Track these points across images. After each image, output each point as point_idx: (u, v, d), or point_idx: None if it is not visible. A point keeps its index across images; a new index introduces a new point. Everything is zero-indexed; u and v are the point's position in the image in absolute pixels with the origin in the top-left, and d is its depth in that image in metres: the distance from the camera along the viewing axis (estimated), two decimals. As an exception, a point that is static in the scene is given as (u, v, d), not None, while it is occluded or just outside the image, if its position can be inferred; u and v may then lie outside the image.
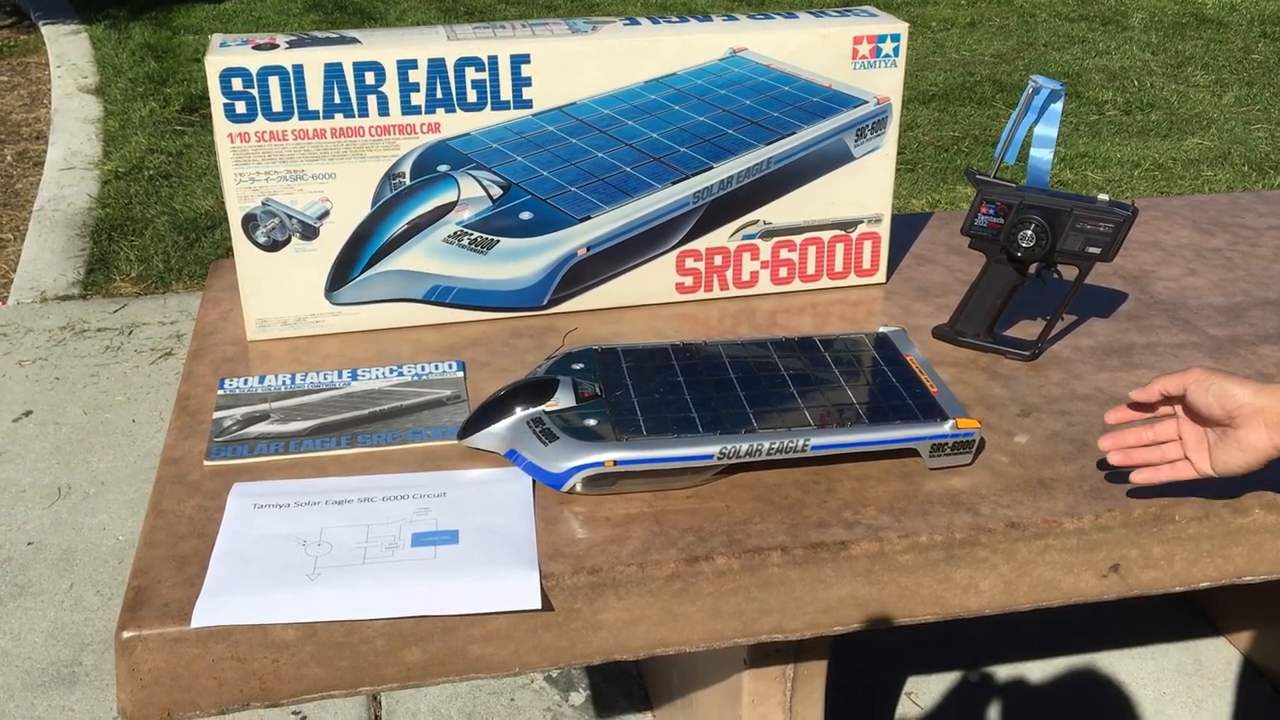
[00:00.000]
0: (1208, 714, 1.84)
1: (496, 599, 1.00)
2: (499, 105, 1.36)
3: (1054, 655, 1.95)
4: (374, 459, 1.18)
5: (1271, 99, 4.91)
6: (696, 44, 1.39)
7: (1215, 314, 1.50)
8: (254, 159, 1.32)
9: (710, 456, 1.10)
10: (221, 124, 1.30)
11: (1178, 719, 1.83)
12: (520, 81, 1.35)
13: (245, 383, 1.31)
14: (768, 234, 1.50)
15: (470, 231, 1.40)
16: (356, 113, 1.32)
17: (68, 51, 5.50)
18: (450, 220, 1.39)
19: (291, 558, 1.02)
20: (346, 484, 1.13)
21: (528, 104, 1.37)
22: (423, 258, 1.40)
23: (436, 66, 1.32)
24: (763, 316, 1.49)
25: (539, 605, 1.00)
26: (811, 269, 1.54)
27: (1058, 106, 1.33)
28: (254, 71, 1.28)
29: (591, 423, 1.13)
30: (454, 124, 1.35)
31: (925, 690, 1.88)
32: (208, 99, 1.31)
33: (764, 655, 1.30)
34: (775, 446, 1.12)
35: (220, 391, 1.29)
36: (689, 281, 1.51)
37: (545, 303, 1.47)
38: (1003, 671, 1.92)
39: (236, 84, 1.28)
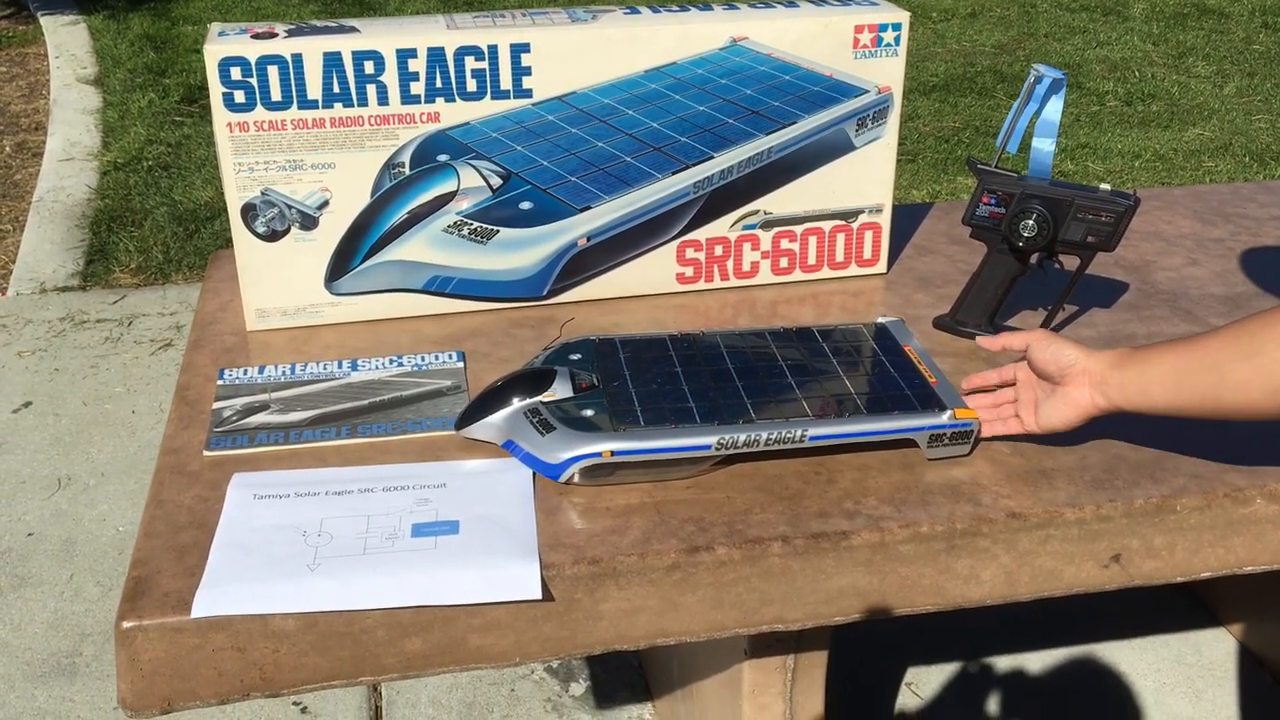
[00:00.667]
0: (1208, 704, 1.84)
1: (497, 589, 1.00)
2: (499, 94, 1.35)
3: (1054, 645, 1.95)
4: (374, 449, 1.17)
5: (1273, 90, 4.90)
6: (697, 33, 1.38)
7: (1216, 304, 1.50)
8: (253, 149, 1.31)
9: (708, 447, 1.10)
10: (220, 114, 1.29)
11: (1178, 709, 1.83)
12: (520, 71, 1.35)
13: (245, 373, 1.30)
14: (768, 224, 1.50)
15: (470, 221, 1.40)
16: (356, 102, 1.32)
17: (66, 42, 5.48)
18: (450, 210, 1.39)
19: (291, 548, 1.02)
20: (346, 474, 1.13)
21: (528, 93, 1.36)
22: (422, 248, 1.40)
23: (436, 55, 1.32)
24: (763, 307, 1.48)
25: (539, 595, 1.00)
26: (812, 259, 1.54)
27: (1060, 96, 1.33)
28: (253, 61, 1.28)
29: (589, 413, 1.13)
30: (454, 113, 1.35)
31: (926, 681, 1.88)
32: (207, 89, 1.31)
33: (765, 645, 1.30)
34: (773, 437, 1.11)
35: (220, 382, 1.29)
36: (689, 272, 1.50)
37: (545, 293, 1.46)
38: (1003, 662, 1.92)
39: (235, 73, 1.28)
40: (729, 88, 1.41)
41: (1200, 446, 1.18)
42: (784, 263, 1.53)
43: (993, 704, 1.85)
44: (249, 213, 1.35)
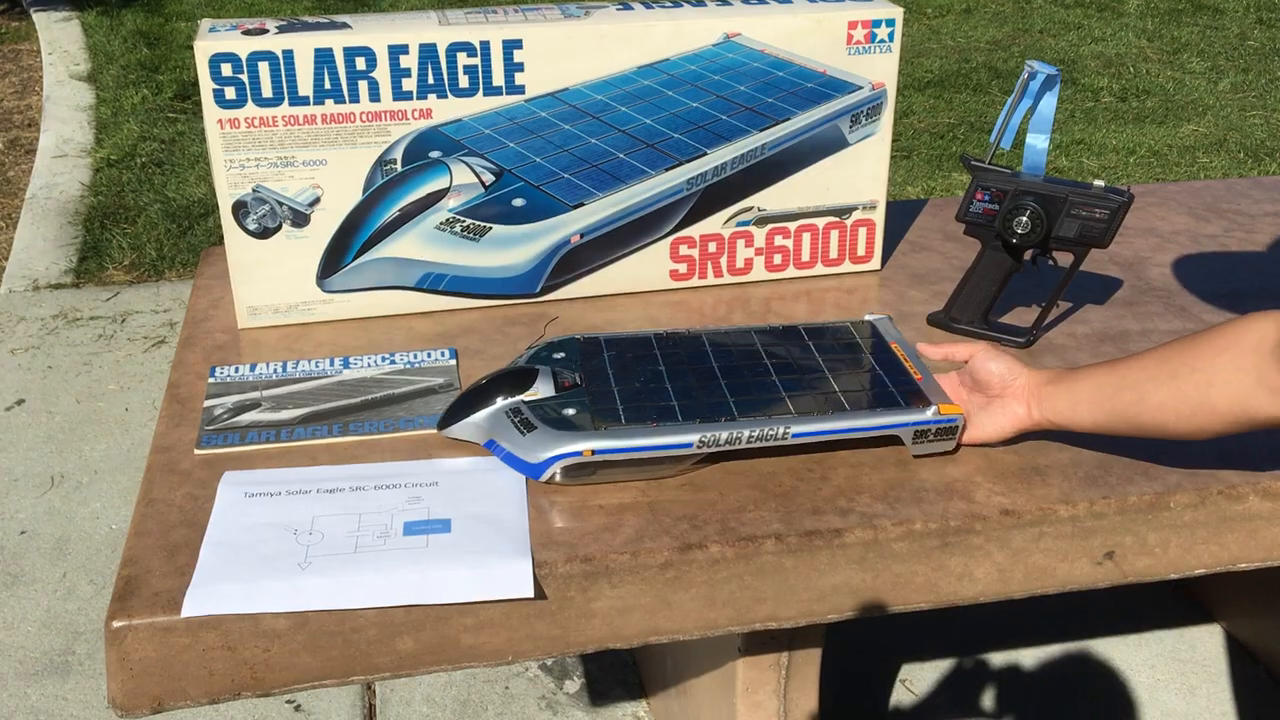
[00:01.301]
0: (1202, 700, 1.84)
1: (489, 588, 0.99)
2: (491, 91, 1.35)
3: (1048, 642, 1.95)
4: (365, 447, 1.17)
5: (1267, 86, 4.90)
6: (690, 29, 1.38)
7: (1210, 300, 1.49)
8: (244, 145, 1.31)
9: (690, 445, 1.10)
10: (211, 110, 1.29)
11: (1172, 705, 1.83)
12: (513, 67, 1.34)
13: (236, 371, 1.30)
14: (762, 221, 1.50)
15: (462, 218, 1.39)
16: (347, 98, 1.31)
17: (59, 38, 5.47)
18: (442, 207, 1.38)
19: (282, 546, 1.01)
20: (338, 472, 1.12)
21: (520, 89, 1.36)
22: (415, 245, 1.40)
23: (428, 51, 1.31)
24: (757, 304, 1.48)
25: (531, 594, 1.00)
26: (806, 256, 1.53)
27: (1054, 92, 1.33)
28: (243, 57, 1.27)
29: (570, 412, 1.13)
30: (446, 110, 1.34)
31: (920, 677, 1.88)
32: (199, 86, 1.30)
33: (758, 643, 1.30)
34: (755, 434, 1.11)
35: (211, 379, 1.28)
36: (683, 269, 1.50)
37: (538, 290, 1.46)
38: (997, 659, 1.92)
39: (226, 69, 1.27)
40: (722, 84, 1.41)
41: (1194, 444, 1.18)
42: (778, 259, 1.53)
43: (987, 700, 1.85)
44: (240, 210, 1.34)
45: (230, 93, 1.28)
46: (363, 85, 1.31)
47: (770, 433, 1.11)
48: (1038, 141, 1.34)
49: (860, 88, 1.44)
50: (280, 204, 1.35)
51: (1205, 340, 0.99)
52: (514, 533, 1.04)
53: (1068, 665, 1.91)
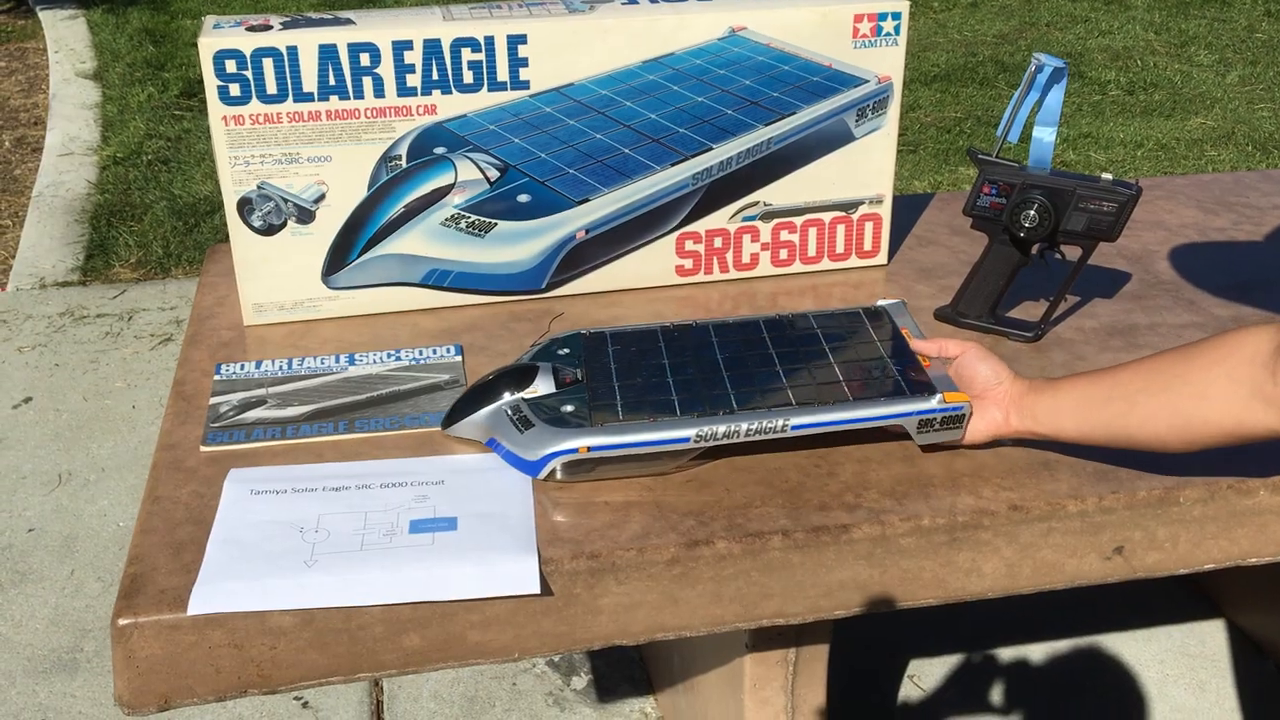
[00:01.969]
0: (1211, 695, 1.84)
1: (495, 584, 0.99)
2: (496, 86, 1.34)
3: (1057, 638, 1.94)
4: (371, 444, 1.17)
5: (1275, 78, 4.88)
6: (695, 23, 1.37)
7: (1219, 293, 1.49)
8: (248, 142, 1.31)
9: (687, 439, 1.09)
10: (215, 107, 1.29)
11: (1181, 700, 1.83)
12: (517, 62, 1.34)
13: (242, 368, 1.30)
14: (768, 215, 1.49)
15: (468, 214, 1.39)
16: (352, 94, 1.31)
17: (65, 37, 5.48)
18: (447, 203, 1.38)
19: (288, 544, 1.01)
20: (344, 470, 1.12)
21: (525, 85, 1.35)
22: (420, 241, 1.39)
23: (432, 47, 1.31)
24: (763, 299, 1.48)
25: (538, 590, 1.00)
26: (812, 251, 1.53)
27: (1061, 85, 1.32)
28: (248, 53, 1.27)
29: (569, 409, 1.12)
30: (450, 105, 1.34)
31: (928, 673, 1.88)
32: (204, 83, 1.30)
33: (765, 639, 1.29)
34: (754, 428, 1.10)
35: (217, 377, 1.28)
36: (689, 264, 1.49)
37: (544, 286, 1.46)
38: (1005, 654, 1.91)
39: (230, 66, 1.27)
40: (728, 78, 1.40)
41: (1203, 437, 1.17)
42: (784, 254, 1.52)
43: (995, 696, 1.84)
44: (245, 206, 1.34)
45: (235, 89, 1.28)
46: (367, 81, 1.31)
47: (769, 425, 1.10)
48: (1044, 135, 1.33)
49: (866, 81, 1.44)
50: (285, 201, 1.34)
51: (1199, 352, 0.98)
52: (520, 529, 1.04)
53: (1077, 660, 1.91)
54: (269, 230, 1.36)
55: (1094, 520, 1.10)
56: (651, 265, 1.48)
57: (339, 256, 1.39)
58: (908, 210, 1.73)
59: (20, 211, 3.73)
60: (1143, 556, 1.13)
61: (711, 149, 1.42)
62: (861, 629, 1.95)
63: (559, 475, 1.10)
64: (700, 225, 1.47)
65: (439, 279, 1.42)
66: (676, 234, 1.47)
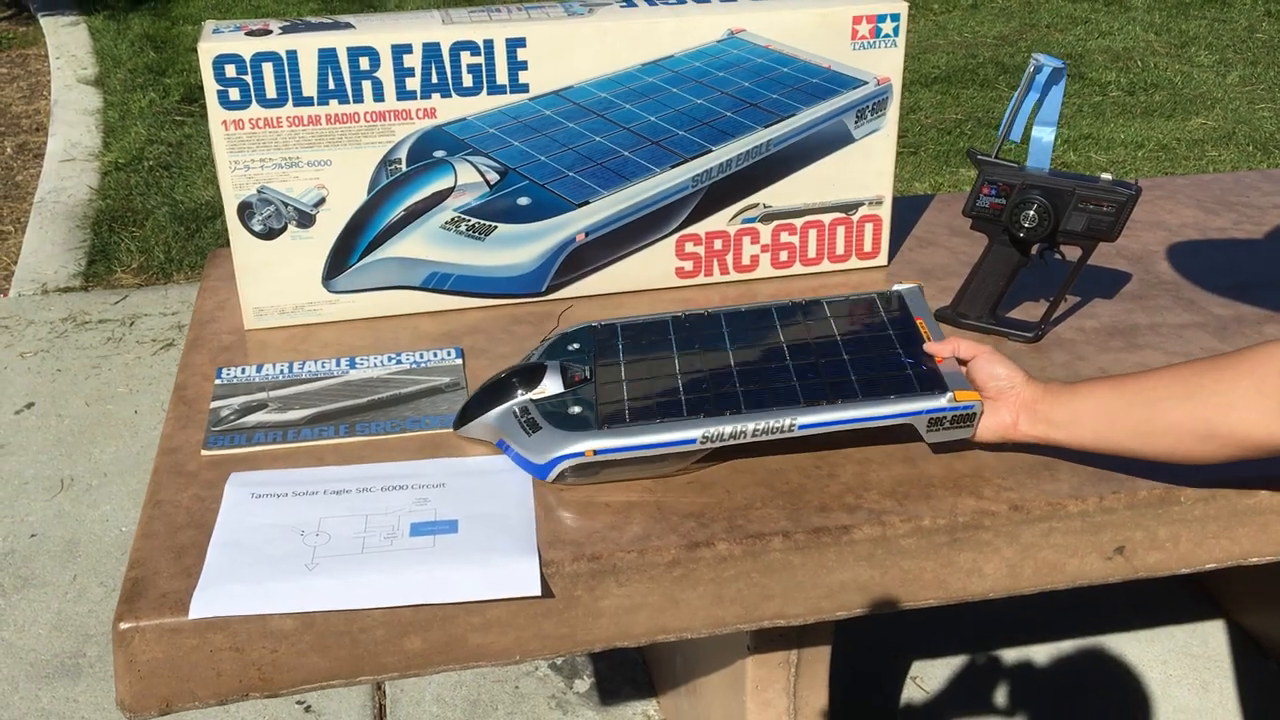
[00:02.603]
0: (1214, 695, 1.83)
1: (496, 587, 0.99)
2: (495, 90, 1.35)
3: (1059, 638, 1.94)
4: (372, 447, 1.17)
5: (1276, 78, 4.87)
6: (694, 25, 1.37)
7: (1220, 293, 1.49)
8: (249, 146, 1.31)
9: (693, 441, 1.08)
10: (216, 111, 1.29)
11: (1184, 700, 1.83)
12: (516, 65, 1.34)
13: (243, 372, 1.30)
14: (768, 217, 1.49)
15: (468, 218, 1.39)
16: (351, 98, 1.31)
17: (67, 43, 5.48)
18: (447, 206, 1.38)
19: (289, 547, 1.01)
20: (345, 473, 1.12)
21: (524, 88, 1.35)
22: (420, 244, 1.39)
23: (431, 51, 1.31)
24: (763, 300, 1.48)
25: (539, 592, 1.00)
26: (812, 252, 1.53)
27: (1060, 85, 1.32)
28: (247, 58, 1.27)
29: (576, 410, 1.12)
30: (450, 109, 1.34)
31: (931, 674, 1.88)
32: (204, 88, 1.30)
33: (767, 641, 1.29)
34: (760, 428, 1.09)
35: (218, 381, 1.28)
36: (689, 266, 1.50)
37: (544, 289, 1.46)
38: (1008, 655, 1.91)
39: (230, 70, 1.27)
40: (727, 80, 1.40)
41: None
42: (784, 256, 1.52)
43: (999, 697, 1.84)
44: (245, 211, 1.34)
45: (235, 94, 1.28)
46: (366, 85, 1.31)
47: (775, 425, 1.09)
48: (1044, 135, 1.33)
49: (865, 83, 1.44)
50: (285, 205, 1.35)
51: (1227, 363, 0.97)
52: (520, 532, 1.04)
53: (1079, 661, 1.90)
54: (269, 234, 1.36)
55: (1095, 520, 1.10)
56: (652, 268, 1.48)
57: (339, 260, 1.39)
58: (908, 211, 1.73)
59: (22, 217, 3.73)
60: (1144, 556, 1.13)
61: (711, 151, 1.42)
62: (864, 630, 1.94)
63: (569, 478, 1.09)
64: (700, 227, 1.47)
65: (439, 282, 1.42)
66: (676, 236, 1.47)
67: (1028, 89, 1.32)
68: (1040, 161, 1.34)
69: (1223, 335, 1.38)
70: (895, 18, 1.41)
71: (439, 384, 1.27)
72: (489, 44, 1.32)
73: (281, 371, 1.30)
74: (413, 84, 1.32)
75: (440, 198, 1.38)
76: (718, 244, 1.49)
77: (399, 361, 1.32)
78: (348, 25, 1.32)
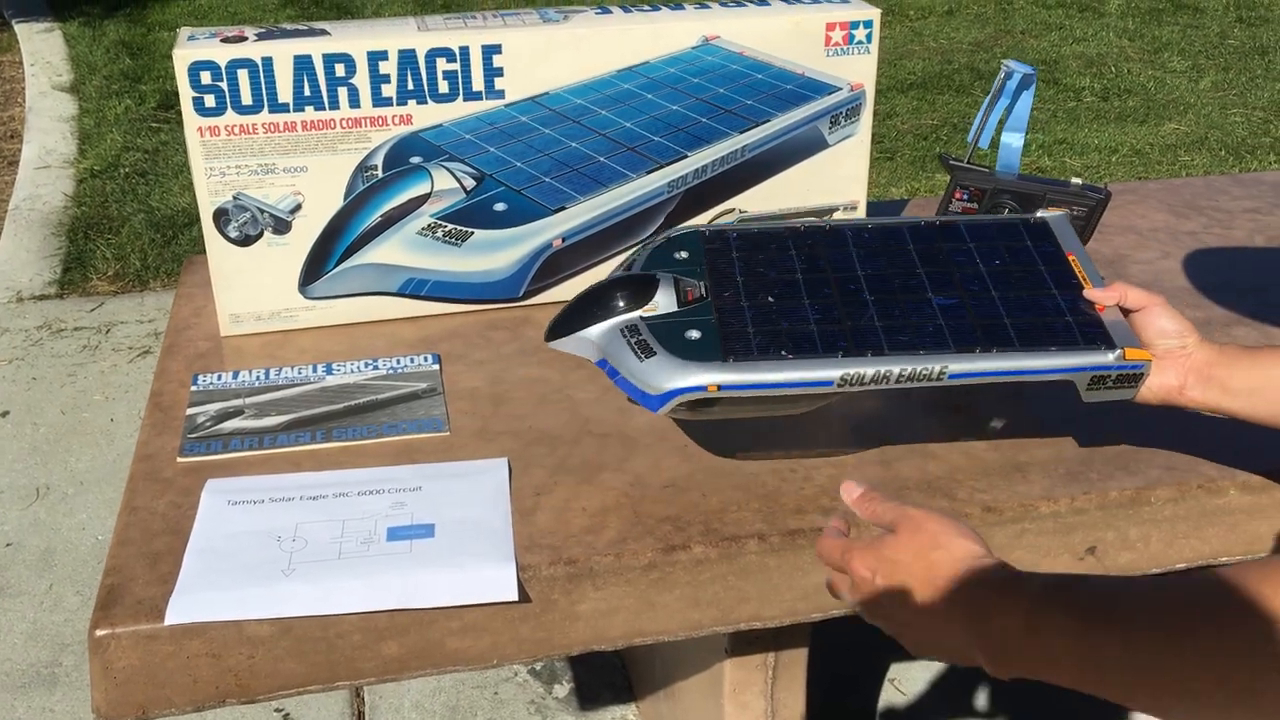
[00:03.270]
0: (1188, 695, 1.85)
1: (473, 591, 0.99)
2: (471, 96, 1.35)
3: (1036, 639, 1.95)
4: (349, 453, 1.17)
5: (1248, 84, 4.93)
6: (668, 32, 1.38)
7: (1189, 296, 1.50)
8: (224, 153, 1.31)
9: (830, 383, 0.96)
10: (191, 118, 1.29)
11: (1159, 700, 1.84)
12: (492, 72, 1.34)
13: (219, 378, 1.30)
14: (743, 222, 1.50)
15: (444, 223, 1.39)
16: (327, 105, 1.31)
17: (41, 49, 5.46)
18: (424, 212, 1.38)
19: (266, 553, 1.01)
20: (321, 479, 1.12)
21: (500, 94, 1.36)
22: (397, 250, 1.40)
23: (407, 57, 1.31)
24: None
25: (516, 597, 1.00)
26: (788, 257, 1.54)
27: (1030, 91, 1.33)
28: (222, 65, 1.27)
29: (694, 335, 1.00)
30: (426, 115, 1.35)
31: (909, 677, 1.89)
32: (179, 94, 1.30)
33: (745, 644, 1.30)
34: (907, 373, 0.96)
35: (193, 387, 1.28)
36: (665, 271, 1.50)
37: (521, 294, 1.46)
38: (985, 656, 1.92)
39: (205, 77, 1.27)
40: (701, 87, 1.41)
41: (1173, 438, 1.19)
42: (760, 261, 1.53)
43: (979, 700, 1.85)
44: (221, 217, 1.34)
45: (210, 100, 1.28)
46: (342, 92, 1.31)
47: (924, 371, 0.96)
48: (1013, 140, 1.35)
49: (839, 89, 1.45)
50: (261, 211, 1.35)
51: None
52: (497, 536, 1.04)
53: (1055, 662, 1.91)
54: (245, 241, 1.36)
55: (1066, 521, 1.12)
56: (628, 273, 1.49)
57: (315, 266, 1.39)
58: (883, 216, 1.75)
59: (-4, 225, 3.71)
60: (1115, 556, 1.14)
61: (686, 157, 1.43)
62: (843, 633, 1.95)
63: (682, 412, 1.00)
64: (676, 233, 1.48)
65: (416, 288, 1.42)
66: (653, 241, 1.48)
67: (998, 95, 1.33)
68: (1010, 166, 1.35)
69: (1192, 338, 1.40)
70: (868, 24, 1.43)
71: (416, 390, 1.27)
72: (464, 51, 1.33)
73: (258, 378, 1.30)
74: (388, 90, 1.32)
75: (417, 204, 1.38)
76: (694, 249, 1.50)
77: (376, 367, 1.32)
78: (323, 32, 1.32)
